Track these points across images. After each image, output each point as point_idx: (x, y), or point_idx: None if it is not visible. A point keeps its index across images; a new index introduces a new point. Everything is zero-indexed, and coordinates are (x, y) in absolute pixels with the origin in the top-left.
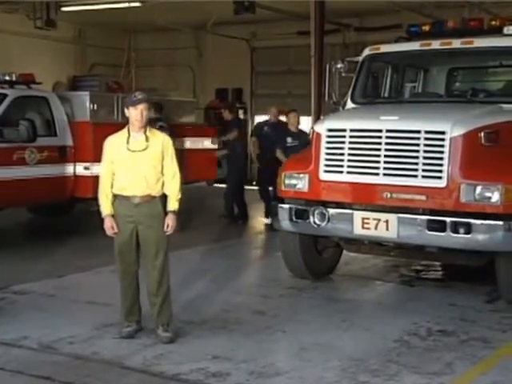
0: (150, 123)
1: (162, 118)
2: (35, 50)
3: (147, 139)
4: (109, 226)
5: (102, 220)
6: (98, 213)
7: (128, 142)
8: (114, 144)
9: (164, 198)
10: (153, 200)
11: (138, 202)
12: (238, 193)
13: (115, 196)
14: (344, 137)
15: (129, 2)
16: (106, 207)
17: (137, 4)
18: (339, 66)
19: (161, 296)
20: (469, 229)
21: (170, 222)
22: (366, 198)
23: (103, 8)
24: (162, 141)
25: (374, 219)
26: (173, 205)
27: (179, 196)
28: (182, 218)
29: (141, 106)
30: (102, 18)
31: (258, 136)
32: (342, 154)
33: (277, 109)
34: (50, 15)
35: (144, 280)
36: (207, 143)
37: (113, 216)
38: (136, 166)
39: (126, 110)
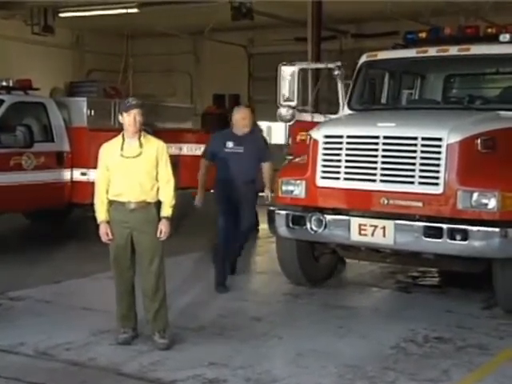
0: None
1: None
2: (32, 55)
3: (141, 145)
4: (104, 232)
5: (97, 226)
6: (94, 218)
7: (122, 149)
8: (108, 150)
9: (158, 203)
10: (148, 206)
11: (132, 208)
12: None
13: (111, 202)
14: (341, 143)
15: (126, 8)
16: (101, 213)
17: (134, 10)
18: (336, 72)
19: (157, 302)
20: (465, 235)
21: (163, 227)
22: (363, 205)
23: (101, 14)
24: (156, 147)
25: (371, 226)
26: (166, 211)
27: (173, 202)
28: (177, 223)
29: (134, 112)
30: (100, 24)
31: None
32: (338, 161)
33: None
34: (47, 21)
35: (140, 286)
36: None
37: (108, 222)
38: (130, 171)
39: (120, 117)
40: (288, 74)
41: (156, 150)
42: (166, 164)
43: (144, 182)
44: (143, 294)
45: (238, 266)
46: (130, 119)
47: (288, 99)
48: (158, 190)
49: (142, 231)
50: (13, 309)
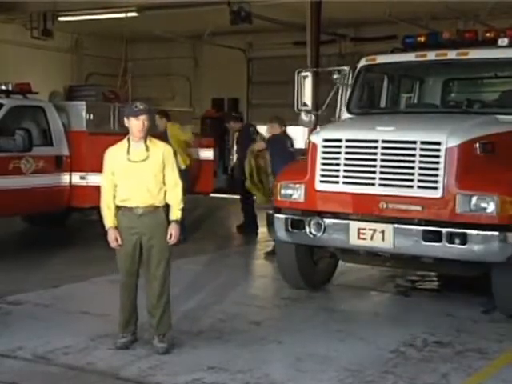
0: None
1: None
2: (32, 59)
3: (147, 149)
4: (113, 238)
5: (105, 231)
6: (98, 222)
7: (128, 153)
8: (114, 155)
9: (166, 207)
10: (156, 210)
11: (141, 213)
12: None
13: (118, 208)
14: (340, 147)
15: (126, 11)
16: (109, 219)
17: (134, 14)
18: (335, 76)
19: (161, 307)
20: (464, 239)
21: (172, 231)
22: (362, 209)
23: (100, 18)
24: (162, 150)
25: (370, 229)
26: (175, 214)
27: (181, 205)
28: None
29: (142, 117)
30: (99, 28)
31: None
32: (337, 165)
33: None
34: (46, 25)
35: (142, 289)
36: (203, 154)
37: (116, 227)
38: (137, 176)
39: (126, 120)
40: (307, 79)
41: (162, 153)
42: (173, 167)
43: (151, 186)
44: (147, 298)
45: (240, 264)
46: (138, 124)
47: (305, 105)
48: (165, 193)
49: (150, 236)
50: (11, 313)
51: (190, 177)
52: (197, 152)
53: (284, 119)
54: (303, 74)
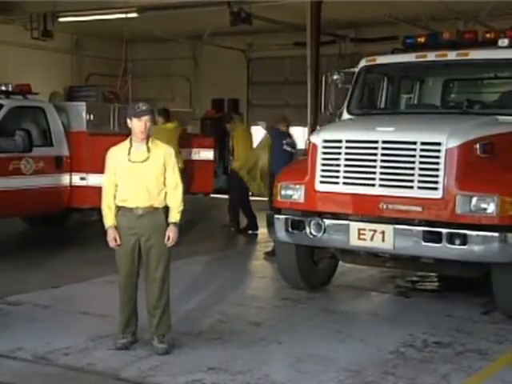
0: None
1: None
2: (32, 60)
3: (149, 150)
4: (111, 237)
5: (104, 231)
6: (99, 222)
7: (129, 153)
8: (116, 155)
9: (166, 208)
10: (156, 211)
11: (140, 214)
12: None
13: (118, 208)
14: (340, 148)
15: (126, 12)
16: (108, 219)
17: (134, 15)
18: (335, 77)
19: (160, 308)
20: (464, 240)
21: (171, 233)
22: (362, 209)
23: (100, 19)
24: (163, 152)
25: (370, 230)
26: (174, 216)
27: (181, 208)
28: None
29: (145, 118)
30: (99, 29)
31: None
32: (337, 165)
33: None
34: (46, 26)
35: (143, 290)
36: (203, 154)
37: (116, 227)
38: (138, 176)
39: (128, 121)
40: (332, 81)
41: (163, 155)
42: (174, 169)
43: (151, 187)
44: (147, 299)
45: (239, 265)
46: (140, 125)
47: (327, 108)
48: (165, 195)
49: (149, 237)
50: (11, 313)
51: (187, 177)
52: (197, 152)
53: (290, 120)
54: (335, 77)
